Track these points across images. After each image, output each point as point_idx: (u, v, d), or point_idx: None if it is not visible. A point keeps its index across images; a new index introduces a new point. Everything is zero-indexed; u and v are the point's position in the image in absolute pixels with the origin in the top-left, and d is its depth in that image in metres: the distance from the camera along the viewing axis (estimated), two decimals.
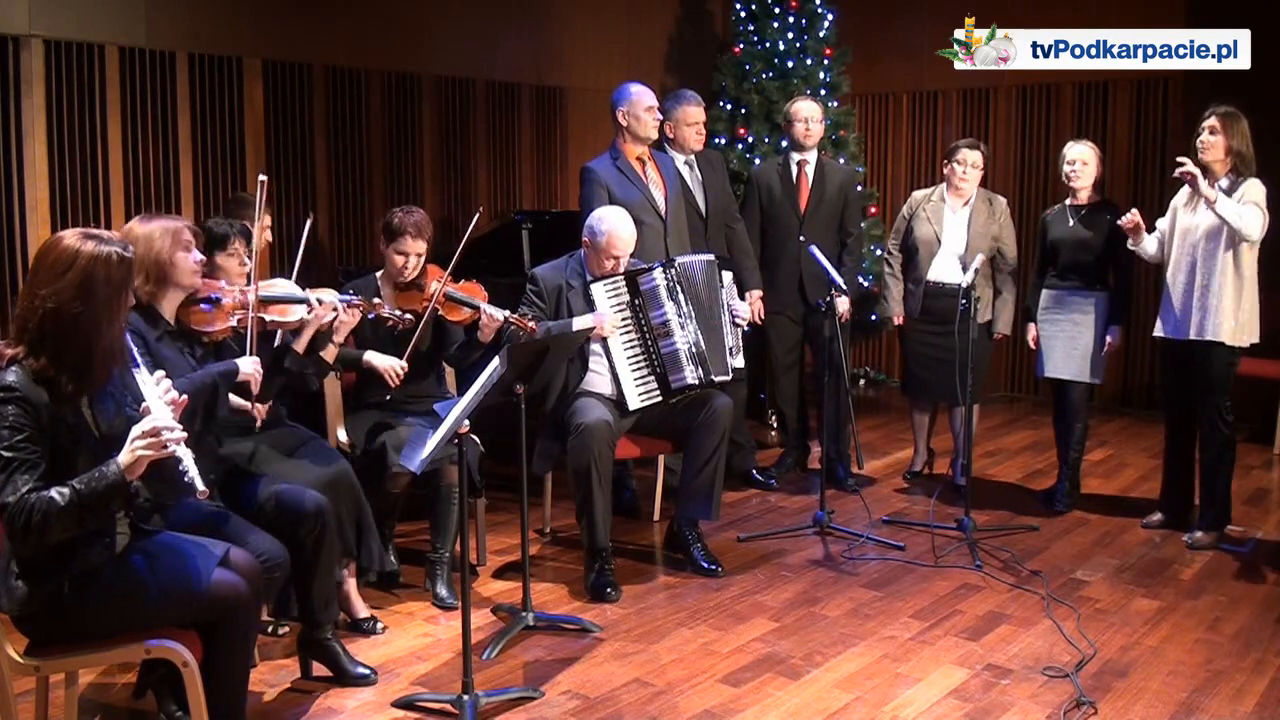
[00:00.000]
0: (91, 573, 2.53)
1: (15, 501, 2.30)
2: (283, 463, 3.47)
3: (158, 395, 2.48)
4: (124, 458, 2.38)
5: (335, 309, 3.49)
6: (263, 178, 3.40)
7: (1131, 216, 4.56)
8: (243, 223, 3.61)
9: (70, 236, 2.47)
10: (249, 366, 3.17)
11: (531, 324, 4.02)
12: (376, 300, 3.75)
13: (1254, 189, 4.36)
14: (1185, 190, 4.54)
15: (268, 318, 3.35)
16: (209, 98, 5.55)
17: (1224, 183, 4.40)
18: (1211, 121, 4.40)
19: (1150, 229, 4.67)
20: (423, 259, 4.04)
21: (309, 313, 3.42)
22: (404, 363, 3.93)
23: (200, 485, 2.41)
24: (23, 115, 4.94)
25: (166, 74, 5.40)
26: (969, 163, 5.14)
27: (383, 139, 6.31)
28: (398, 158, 6.41)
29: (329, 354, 3.70)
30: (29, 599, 2.48)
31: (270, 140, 5.80)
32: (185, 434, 2.43)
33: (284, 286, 3.49)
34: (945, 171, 5.25)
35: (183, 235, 3.09)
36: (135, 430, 2.39)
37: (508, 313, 4.00)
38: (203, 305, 3.22)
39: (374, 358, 3.94)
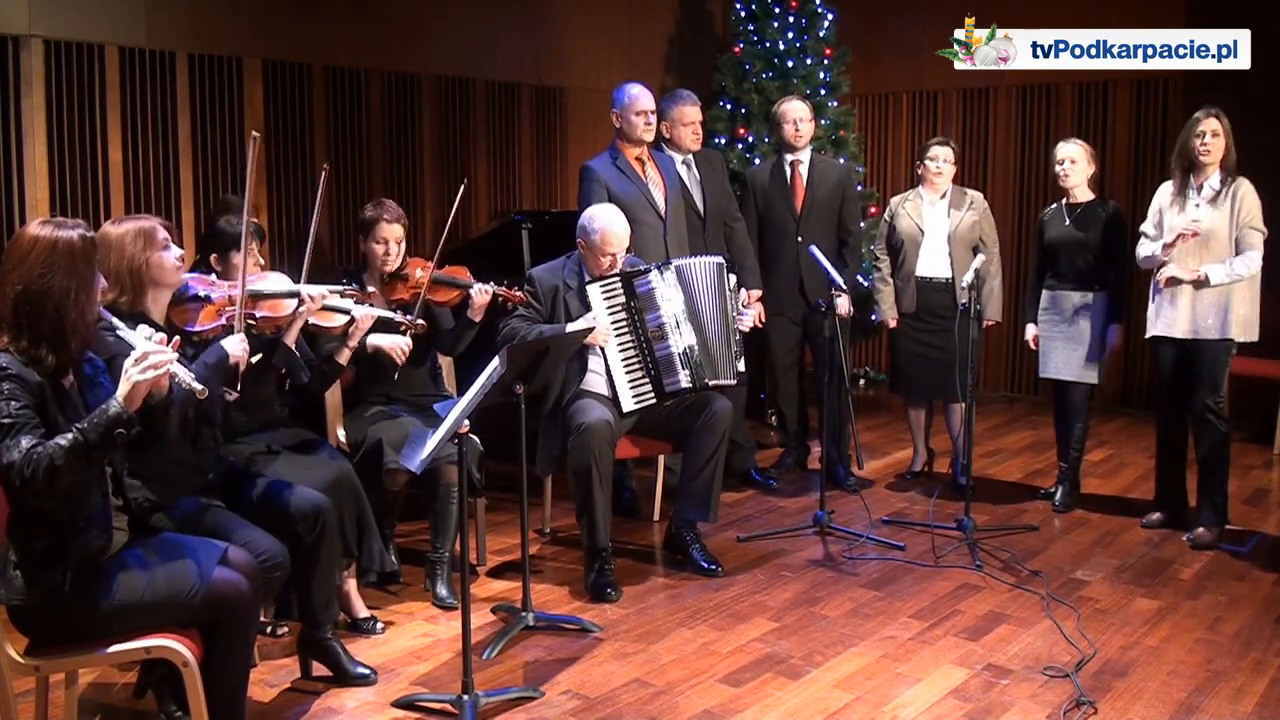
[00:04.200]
0: (91, 569, 2.54)
1: (21, 458, 2.32)
2: (284, 463, 3.47)
3: (143, 338, 2.53)
4: (121, 390, 2.42)
5: (327, 299, 3.44)
6: (255, 134, 3.26)
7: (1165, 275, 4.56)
8: (255, 222, 3.61)
9: (32, 226, 2.53)
10: (236, 347, 3.08)
11: (519, 294, 4.03)
12: (371, 290, 3.73)
13: (1250, 201, 4.43)
14: (1167, 188, 4.61)
15: (258, 314, 3.30)
16: (209, 98, 5.55)
17: (1214, 181, 4.47)
18: (1215, 125, 4.45)
19: (1138, 236, 4.70)
20: (401, 246, 4.05)
21: (300, 307, 3.37)
22: (408, 340, 3.90)
23: (199, 386, 2.53)
24: (23, 115, 4.94)
25: (166, 74, 5.40)
26: (941, 158, 5.24)
27: (383, 139, 6.31)
28: (398, 158, 6.41)
29: (343, 357, 3.70)
30: (27, 590, 2.49)
31: (270, 140, 5.79)
32: (175, 354, 2.50)
33: (275, 281, 3.44)
34: (919, 170, 5.34)
35: (156, 235, 3.00)
36: (127, 362, 2.44)
37: (494, 286, 4.01)
38: (190, 304, 3.17)
39: (378, 339, 3.91)
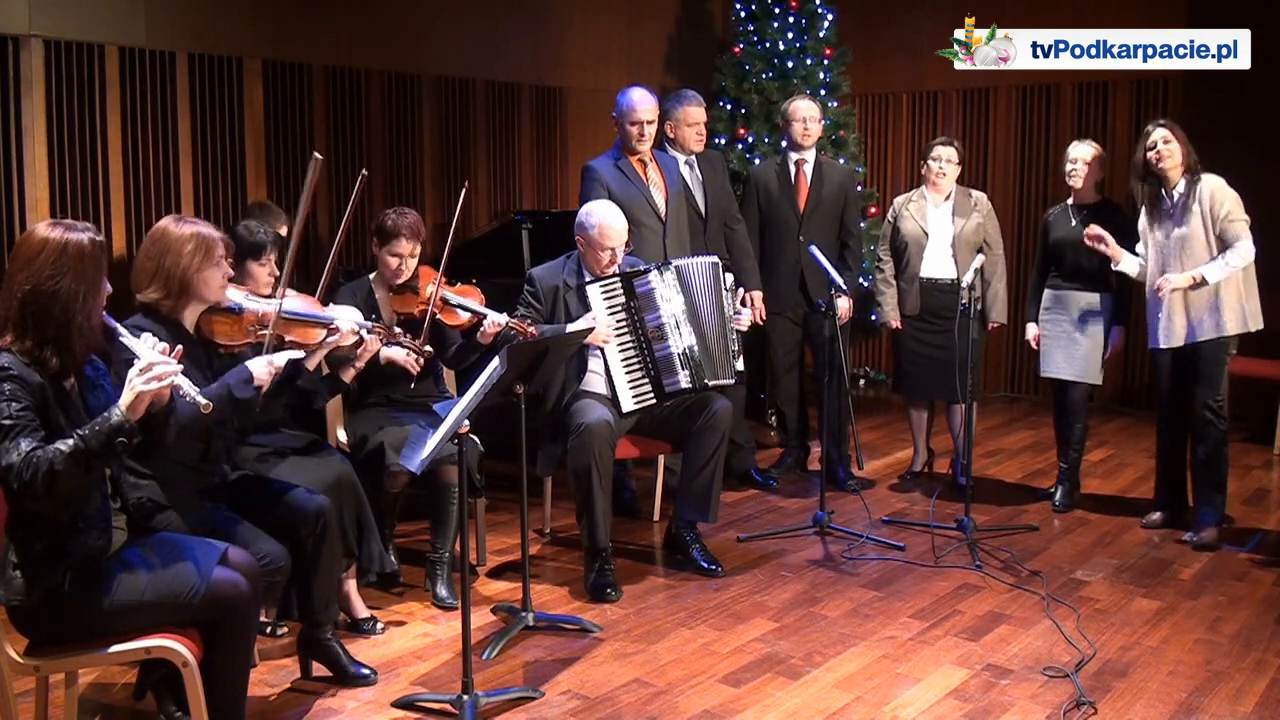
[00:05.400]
0: (91, 570, 2.54)
1: (20, 461, 2.32)
2: (284, 463, 3.47)
3: (148, 347, 2.52)
4: (124, 398, 2.42)
5: (355, 334, 3.37)
6: (318, 156, 3.26)
7: (1092, 230, 4.61)
8: (276, 230, 3.59)
9: (41, 227, 2.52)
10: (261, 369, 3.06)
11: (532, 329, 4.01)
12: (396, 329, 3.69)
13: (1220, 196, 4.44)
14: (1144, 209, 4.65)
15: (288, 337, 3.26)
16: (209, 98, 5.55)
17: (1181, 187, 4.49)
18: (1164, 133, 4.48)
19: (1129, 250, 4.71)
20: (415, 260, 4.04)
21: (328, 336, 3.32)
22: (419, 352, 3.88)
23: (203, 400, 2.53)
24: (23, 115, 4.94)
25: (166, 74, 5.40)
26: (944, 158, 5.21)
27: (383, 139, 6.31)
28: (398, 158, 6.41)
29: (348, 375, 3.68)
30: (27, 590, 2.49)
31: (270, 140, 5.79)
32: (179, 366, 2.49)
33: (305, 303, 3.38)
34: (923, 171, 5.32)
35: (216, 250, 3.00)
36: (131, 372, 2.43)
37: (508, 318, 3.99)
38: (222, 315, 3.13)
39: (391, 352, 3.87)
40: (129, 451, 2.44)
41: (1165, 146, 4.46)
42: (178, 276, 2.95)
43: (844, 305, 5.18)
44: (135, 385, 2.41)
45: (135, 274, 3.00)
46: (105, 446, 2.38)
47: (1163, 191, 4.53)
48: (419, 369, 3.90)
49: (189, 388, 2.53)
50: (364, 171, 3.79)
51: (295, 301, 3.34)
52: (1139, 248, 4.71)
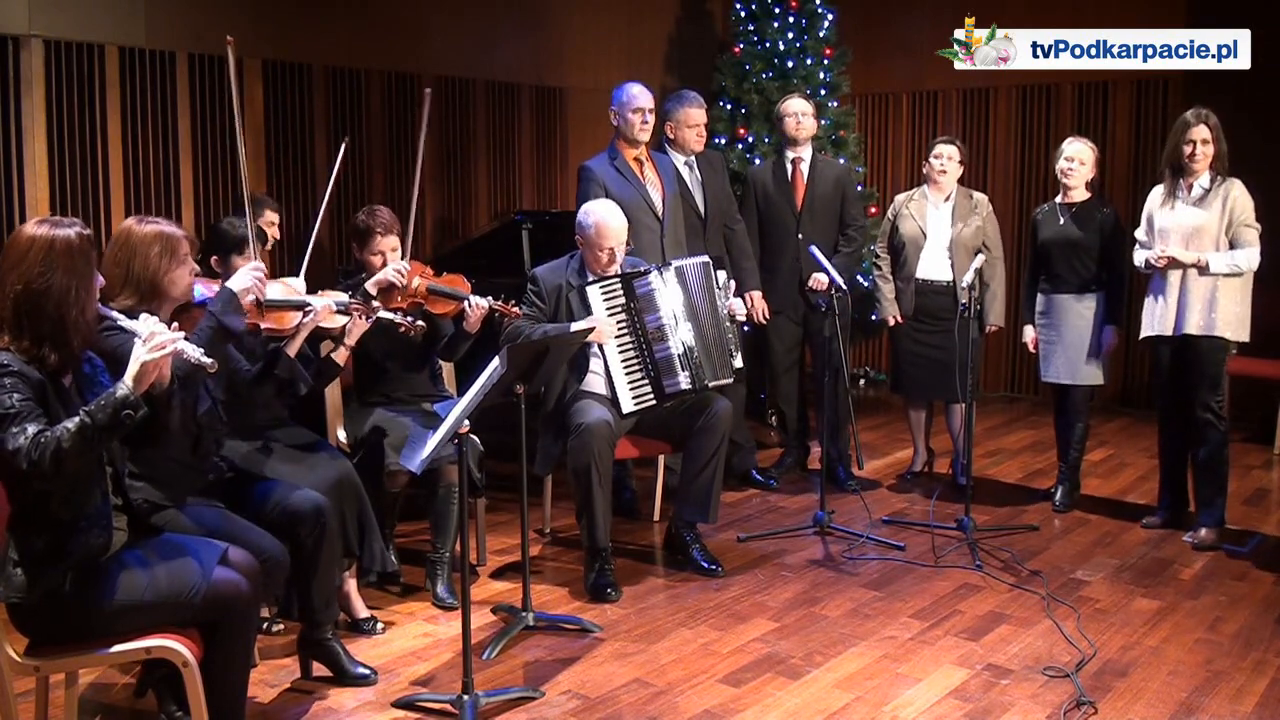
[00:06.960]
0: (91, 570, 2.54)
1: (28, 442, 2.33)
2: (285, 463, 3.46)
3: (149, 326, 2.51)
4: (130, 371, 2.42)
5: (333, 313, 3.39)
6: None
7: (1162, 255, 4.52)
8: (257, 225, 3.59)
9: (28, 226, 2.53)
10: (245, 279, 3.03)
11: (516, 310, 4.01)
12: (375, 304, 3.70)
13: (1243, 202, 4.43)
14: (1158, 191, 4.62)
15: (264, 324, 3.25)
16: (209, 98, 5.55)
17: (1204, 180, 4.46)
18: (1204, 133, 4.43)
19: (1138, 244, 4.70)
20: (398, 254, 4.03)
21: (305, 318, 3.34)
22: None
23: (207, 360, 2.54)
24: (23, 115, 4.95)
25: (166, 74, 5.40)
26: (945, 156, 5.21)
27: (383, 139, 6.31)
28: (398, 158, 6.41)
29: (340, 356, 3.69)
30: (28, 588, 2.49)
31: (270, 140, 5.80)
32: (181, 333, 2.51)
33: (283, 289, 3.39)
34: (925, 169, 5.32)
35: (181, 249, 2.95)
36: (136, 343, 2.45)
37: (491, 300, 3.99)
38: (197, 310, 3.09)
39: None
40: (134, 425, 2.44)
41: (1203, 148, 4.42)
42: (148, 279, 2.91)
43: (822, 281, 5.11)
44: (140, 355, 2.43)
45: (104, 282, 2.96)
46: (112, 420, 2.38)
47: (1180, 180, 4.51)
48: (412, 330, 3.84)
49: (192, 350, 2.55)
50: (345, 139, 3.79)
51: (271, 287, 3.33)
52: (1139, 233, 4.69)
